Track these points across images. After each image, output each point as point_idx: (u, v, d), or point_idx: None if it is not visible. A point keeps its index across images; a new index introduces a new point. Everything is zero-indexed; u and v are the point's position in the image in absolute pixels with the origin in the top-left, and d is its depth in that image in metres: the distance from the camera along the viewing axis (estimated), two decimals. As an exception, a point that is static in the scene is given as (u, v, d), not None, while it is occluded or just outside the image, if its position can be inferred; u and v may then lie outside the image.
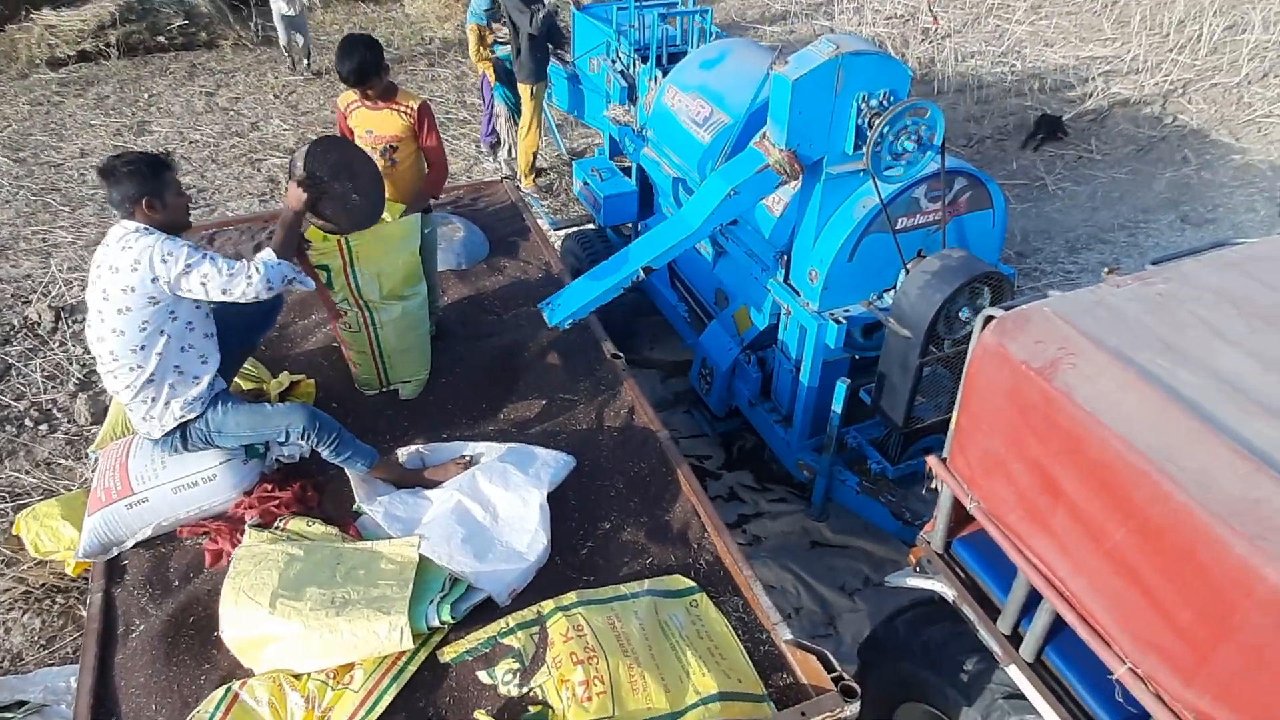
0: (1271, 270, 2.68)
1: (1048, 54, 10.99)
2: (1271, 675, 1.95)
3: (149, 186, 2.82)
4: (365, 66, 3.62)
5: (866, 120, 3.68)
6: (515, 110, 7.30)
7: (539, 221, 6.86)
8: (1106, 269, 2.82)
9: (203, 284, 2.79)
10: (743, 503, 5.16)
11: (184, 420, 3.01)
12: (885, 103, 3.69)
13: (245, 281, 2.82)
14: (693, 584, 2.99)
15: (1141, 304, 2.58)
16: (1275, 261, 2.72)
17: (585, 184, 5.79)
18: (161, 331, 2.85)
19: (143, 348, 2.84)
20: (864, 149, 3.67)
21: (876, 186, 3.74)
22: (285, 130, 8.51)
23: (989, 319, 2.69)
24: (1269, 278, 2.65)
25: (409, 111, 3.74)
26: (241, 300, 2.86)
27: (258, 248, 3.55)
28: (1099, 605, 2.39)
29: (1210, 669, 2.09)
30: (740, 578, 3.01)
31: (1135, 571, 2.25)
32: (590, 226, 6.29)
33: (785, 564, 4.75)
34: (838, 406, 4.12)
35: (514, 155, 7.52)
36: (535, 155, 7.20)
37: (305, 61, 9.63)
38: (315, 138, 3.32)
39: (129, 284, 2.75)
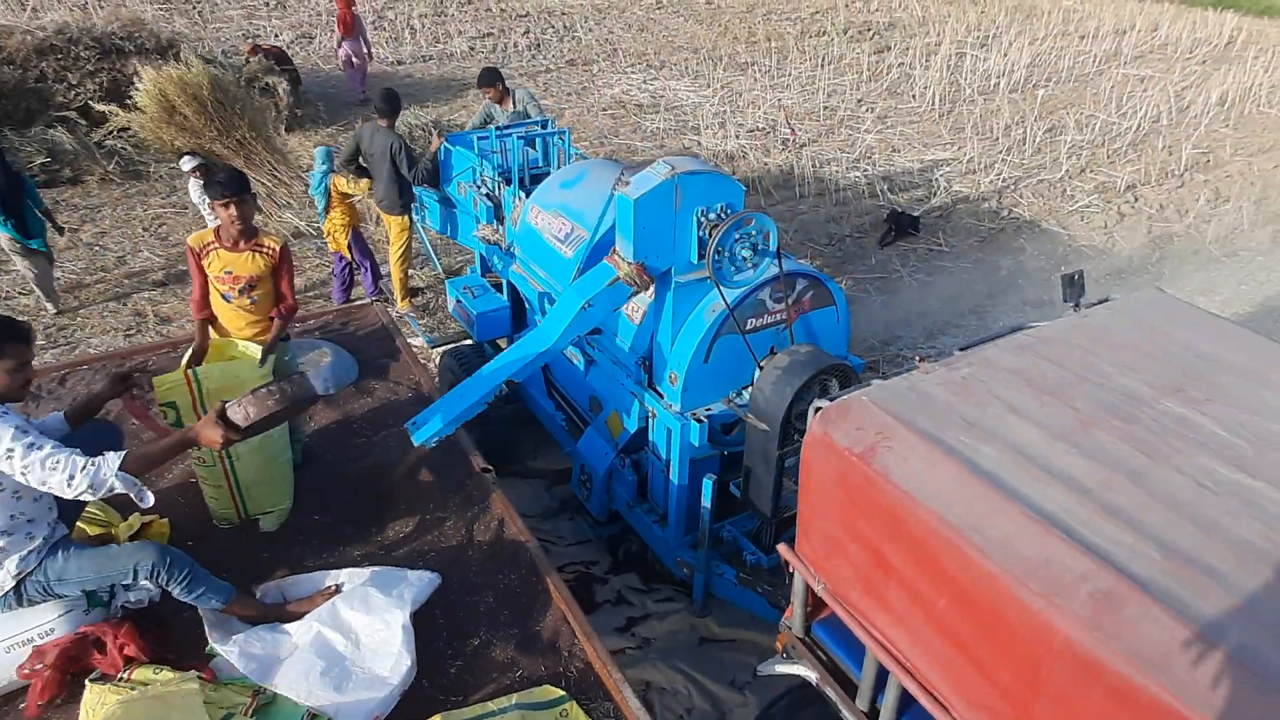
0: (1057, 350, 3.00)
1: (895, 158, 11.99)
2: (1078, 724, 2.11)
3: None
4: (240, 178, 3.71)
5: (707, 232, 3.96)
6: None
7: (417, 340, 6.95)
8: (919, 357, 3.09)
9: (23, 473, 2.61)
10: (630, 605, 5.15)
11: (21, 576, 2.86)
12: (723, 215, 3.99)
13: (67, 479, 2.59)
14: (563, 693, 2.98)
15: (948, 387, 2.83)
16: (1060, 342, 3.04)
17: (459, 301, 5.91)
18: None
19: None
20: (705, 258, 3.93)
21: (721, 292, 4.00)
22: (155, 259, 8.37)
23: (818, 410, 2.90)
24: (1056, 356, 2.96)
25: (271, 252, 3.80)
26: (61, 495, 2.64)
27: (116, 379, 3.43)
28: (935, 673, 2.53)
29: (1031, 724, 2.24)
30: (609, 681, 3.02)
31: (959, 637, 2.41)
32: (467, 343, 6.39)
33: (674, 664, 4.74)
34: (707, 502, 4.25)
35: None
36: (407, 276, 7.31)
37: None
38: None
39: None
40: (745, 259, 3.98)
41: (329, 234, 7.10)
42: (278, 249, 3.80)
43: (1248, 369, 2.89)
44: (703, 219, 3.94)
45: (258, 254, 3.76)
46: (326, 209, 6.95)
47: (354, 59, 12.56)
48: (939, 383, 2.86)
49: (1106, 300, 3.52)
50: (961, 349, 3.15)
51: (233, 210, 3.63)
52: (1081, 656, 2.04)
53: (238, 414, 2.83)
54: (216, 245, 3.77)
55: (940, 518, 2.39)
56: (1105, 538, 2.21)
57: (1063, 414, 2.68)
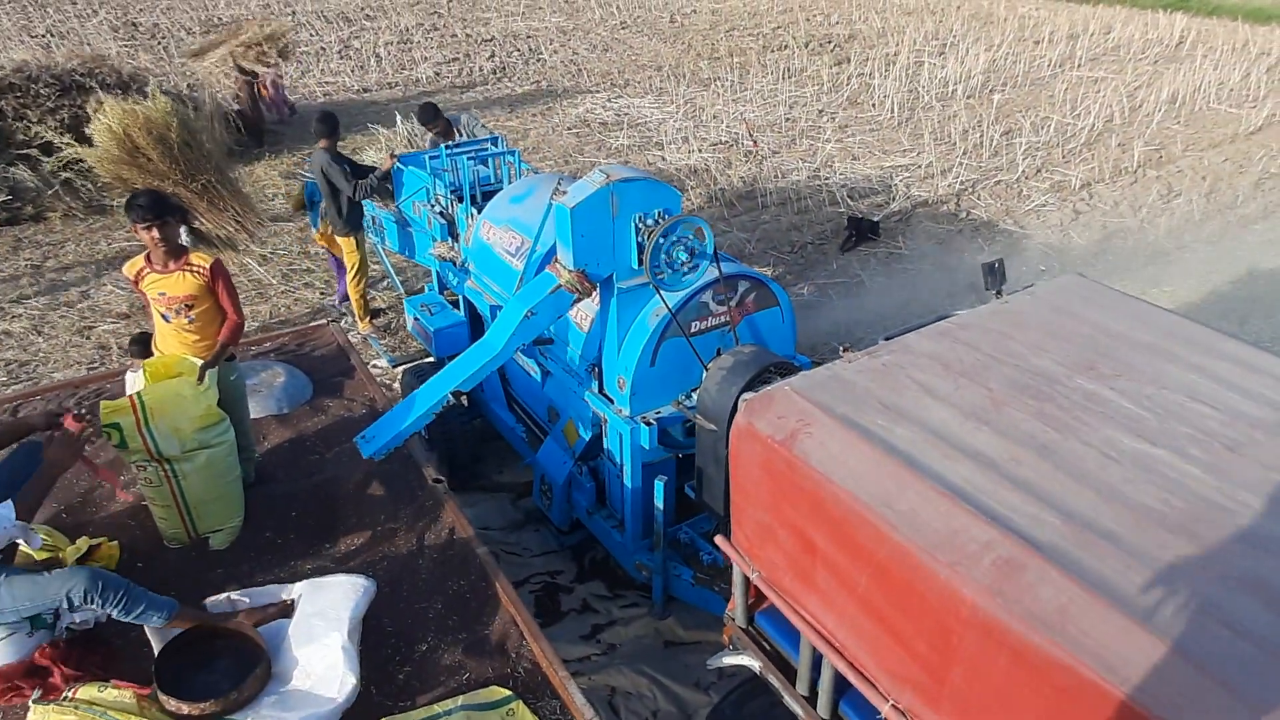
0: (975, 334, 3.09)
1: (855, 166, 12.17)
2: (988, 687, 2.18)
3: None
4: (161, 201, 3.73)
5: (645, 237, 4.05)
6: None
7: (379, 360, 6.99)
8: (843, 347, 3.17)
9: None
10: (596, 613, 5.19)
11: None
12: (660, 220, 4.08)
13: None
14: (509, 693, 3.03)
15: (868, 374, 2.92)
16: (978, 327, 3.14)
17: (416, 319, 5.97)
18: None
19: None
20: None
21: (661, 296, 4.08)
22: (119, 292, 8.38)
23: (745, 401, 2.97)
24: (972, 340, 3.06)
25: (202, 271, 3.84)
26: None
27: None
28: (862, 650, 2.60)
29: (947, 691, 2.31)
30: (556, 679, 3.07)
31: (880, 612, 2.47)
32: (428, 360, 6.43)
33: (640, 668, 4.77)
34: (659, 503, 4.31)
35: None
36: (366, 297, 7.36)
37: None
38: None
39: None
40: (683, 262, 4.06)
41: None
42: (208, 266, 3.84)
43: (1157, 345, 2.99)
44: (640, 225, 4.03)
45: (188, 273, 3.80)
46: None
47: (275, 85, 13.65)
48: (859, 370, 2.94)
49: (1029, 287, 3.63)
50: (886, 338, 3.23)
51: (155, 233, 3.67)
52: (986, 622, 2.12)
53: None
54: (148, 269, 3.82)
55: (855, 497, 2.47)
56: (1010, 508, 2.29)
57: (976, 394, 2.77)
